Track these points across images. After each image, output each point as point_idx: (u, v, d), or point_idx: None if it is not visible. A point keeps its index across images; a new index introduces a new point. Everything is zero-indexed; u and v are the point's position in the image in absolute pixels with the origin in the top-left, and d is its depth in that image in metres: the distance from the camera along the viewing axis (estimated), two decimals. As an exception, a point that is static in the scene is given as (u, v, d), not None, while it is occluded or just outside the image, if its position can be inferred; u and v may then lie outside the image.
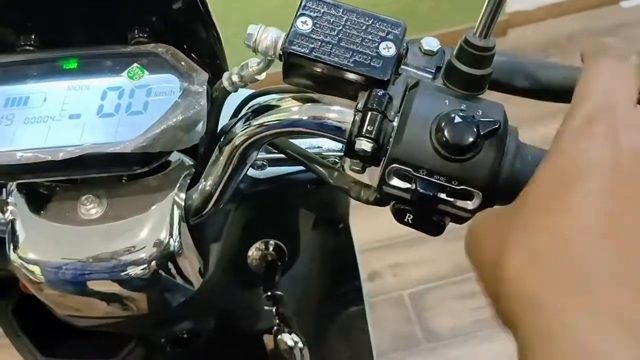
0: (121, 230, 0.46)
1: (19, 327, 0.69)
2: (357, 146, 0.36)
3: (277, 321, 0.70)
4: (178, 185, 0.47)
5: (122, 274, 0.46)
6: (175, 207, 0.46)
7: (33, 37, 0.47)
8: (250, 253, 0.66)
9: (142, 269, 0.46)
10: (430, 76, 0.40)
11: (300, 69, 0.39)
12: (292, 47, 0.38)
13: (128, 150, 0.42)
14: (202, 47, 0.47)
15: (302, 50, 0.38)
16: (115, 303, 0.49)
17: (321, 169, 0.45)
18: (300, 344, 0.71)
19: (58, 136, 0.43)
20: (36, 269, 0.46)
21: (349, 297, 0.82)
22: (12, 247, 0.46)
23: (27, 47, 0.47)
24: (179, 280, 0.49)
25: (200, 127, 0.44)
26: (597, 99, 0.29)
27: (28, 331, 0.69)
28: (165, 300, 0.50)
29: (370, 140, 0.36)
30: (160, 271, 0.47)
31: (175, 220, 0.46)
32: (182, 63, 0.45)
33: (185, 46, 0.47)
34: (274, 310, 0.69)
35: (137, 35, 0.47)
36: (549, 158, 0.28)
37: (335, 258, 0.78)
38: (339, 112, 0.38)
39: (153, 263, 0.46)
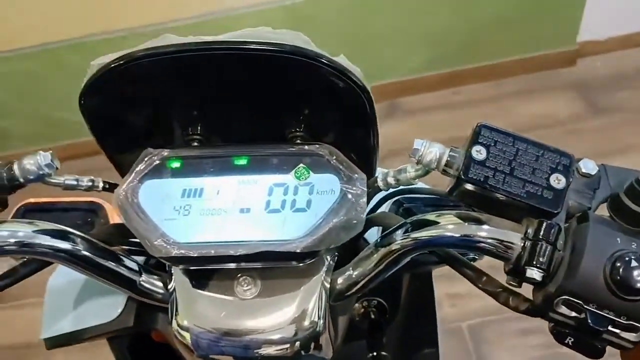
0: (273, 310, 0.50)
1: (130, 355, 0.74)
2: (528, 274, 0.39)
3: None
4: (325, 269, 0.51)
5: (268, 350, 0.50)
6: (322, 289, 0.50)
7: (199, 129, 0.52)
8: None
9: (288, 347, 0.50)
10: (589, 203, 0.42)
11: (472, 194, 0.42)
12: (469, 175, 0.41)
13: (298, 250, 0.46)
14: (362, 147, 0.51)
15: (478, 179, 0.41)
16: None
17: (469, 271, 0.48)
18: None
19: (231, 230, 0.47)
20: (186, 335, 0.50)
21: (425, 339, 0.84)
22: (173, 313, 0.51)
23: (194, 137, 0.52)
24: (317, 356, 0.53)
25: (360, 226, 0.47)
26: None
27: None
28: None
29: (541, 271, 0.39)
30: (303, 349, 0.51)
31: (322, 302, 0.50)
32: (343, 164, 0.49)
33: (344, 145, 0.51)
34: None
35: (297, 133, 0.51)
36: None
37: (418, 304, 0.81)
38: (507, 235, 0.41)
39: (298, 343, 0.50)
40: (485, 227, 0.42)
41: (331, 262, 0.51)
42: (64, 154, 2.04)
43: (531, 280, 0.39)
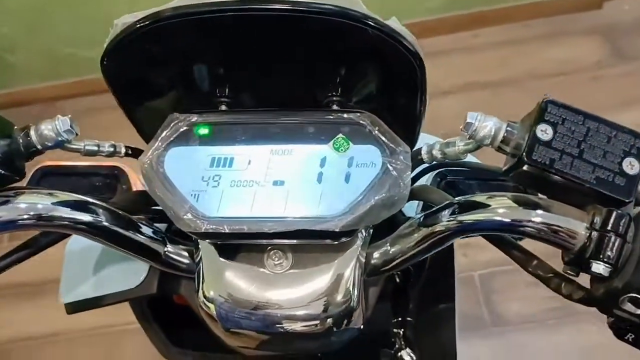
0: (305, 284, 0.48)
1: (153, 318, 0.73)
2: (593, 268, 0.36)
3: (401, 342, 0.72)
4: (361, 243, 0.48)
5: (300, 325, 0.48)
6: (357, 264, 0.47)
7: (228, 92, 0.48)
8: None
9: (318, 323, 0.48)
10: None
11: (532, 176, 0.38)
12: (533, 157, 0.38)
13: (337, 229, 0.43)
14: (406, 116, 0.47)
15: (543, 162, 0.37)
16: (286, 345, 0.51)
17: (517, 253, 0.45)
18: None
19: (264, 204, 0.44)
20: (212, 307, 0.48)
21: (443, 294, 0.84)
22: (200, 284, 0.48)
23: (223, 100, 0.48)
24: (350, 328, 0.52)
25: (403, 204, 0.44)
26: None
27: (160, 322, 0.73)
28: (333, 344, 0.53)
29: (609, 265, 0.36)
30: (334, 326, 0.49)
31: (356, 277, 0.47)
32: (386, 135, 0.45)
33: (385, 112, 0.47)
34: (400, 332, 0.72)
35: (333, 98, 0.47)
36: None
37: (439, 262, 0.79)
38: (570, 223, 0.38)
39: (330, 319, 0.48)
40: (544, 212, 0.39)
41: (367, 235, 0.48)
42: (71, 91, 2.00)
43: (596, 275, 0.36)
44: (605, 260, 0.36)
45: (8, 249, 0.46)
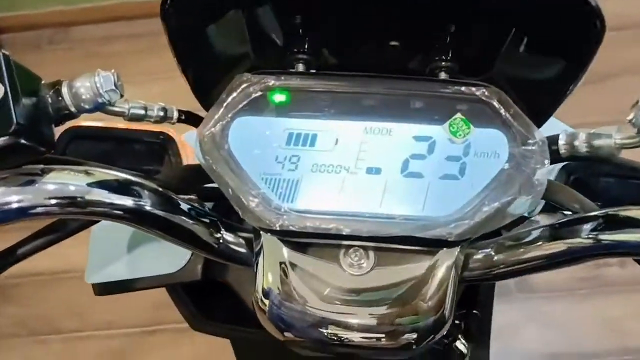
0: (388, 289, 0.39)
1: (182, 288, 0.66)
2: None
3: (459, 333, 0.65)
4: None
5: (378, 340, 0.40)
6: (454, 268, 0.39)
7: (310, 46, 0.37)
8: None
9: (404, 337, 0.39)
10: None
11: None
12: None
13: (451, 237, 0.33)
14: (547, 94, 0.37)
15: None
16: (356, 357, 0.43)
17: None
18: (470, 350, 0.67)
19: (354, 198, 0.35)
20: (270, 307, 0.40)
21: None
22: (259, 279, 0.40)
23: (303, 58, 0.38)
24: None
25: (534, 207, 0.35)
26: None
27: (190, 293, 0.66)
28: (410, 357, 0.45)
29: None
30: (420, 339, 0.40)
31: (451, 284, 0.39)
32: (515, 116, 0.35)
33: (508, 87, 0.36)
34: (462, 324, 0.65)
35: (443, 63, 0.37)
36: None
37: None
38: None
39: (416, 333, 0.39)
40: None
41: None
42: (80, 18, 1.86)
43: None
44: None
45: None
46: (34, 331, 1.49)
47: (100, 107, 0.34)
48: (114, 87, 0.34)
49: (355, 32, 0.38)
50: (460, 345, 0.66)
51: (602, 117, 1.72)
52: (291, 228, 0.34)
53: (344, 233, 0.34)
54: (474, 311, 0.62)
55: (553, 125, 0.40)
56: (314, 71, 0.38)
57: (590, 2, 0.31)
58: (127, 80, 0.35)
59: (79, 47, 1.93)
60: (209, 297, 0.66)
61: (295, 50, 0.38)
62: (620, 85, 1.66)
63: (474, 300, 0.62)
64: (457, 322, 0.64)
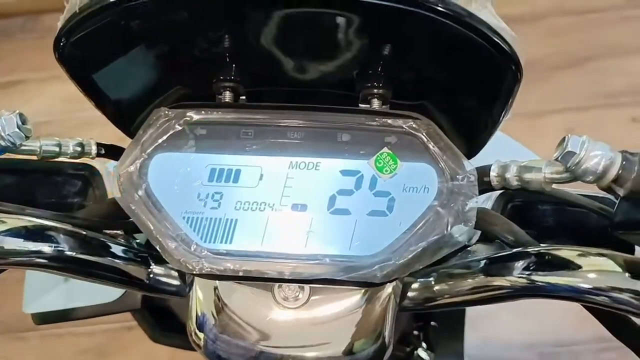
0: (324, 322, 0.38)
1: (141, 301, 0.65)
2: None
3: (420, 342, 0.65)
4: None
5: None
6: (392, 298, 0.38)
7: (234, 73, 0.36)
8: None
9: None
10: None
11: None
12: None
13: (375, 280, 0.32)
14: (475, 124, 0.35)
15: None
16: None
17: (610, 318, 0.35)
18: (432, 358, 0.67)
19: (279, 237, 0.34)
20: (205, 341, 0.39)
21: None
22: (192, 311, 0.39)
23: (227, 86, 0.36)
24: None
25: (464, 242, 0.34)
26: None
27: (148, 306, 0.65)
28: None
29: None
30: None
31: (389, 314, 0.38)
32: (444, 149, 0.34)
33: (445, 115, 0.35)
34: (420, 334, 0.64)
35: (376, 91, 0.35)
36: None
37: None
38: None
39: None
40: None
41: None
42: (50, 5, 1.81)
43: None
44: None
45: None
46: (11, 328, 1.48)
47: (6, 150, 0.32)
48: (16, 130, 0.32)
49: (282, 58, 0.36)
50: (423, 353, 0.66)
51: (583, 102, 1.70)
52: (211, 271, 0.33)
53: (266, 276, 0.33)
54: (432, 323, 0.61)
55: (511, 147, 0.39)
56: (238, 102, 0.37)
57: (505, 49, 0.29)
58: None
59: (49, 37, 1.90)
60: (168, 310, 0.65)
61: (222, 77, 0.37)
62: (600, 68, 1.64)
63: (429, 313, 0.61)
64: (415, 332, 0.64)
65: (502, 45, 0.29)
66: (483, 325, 1.42)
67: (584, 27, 1.75)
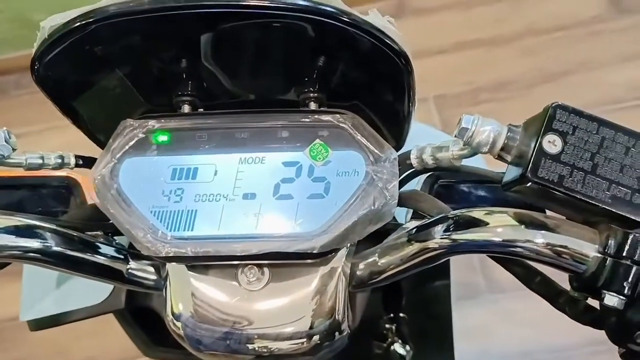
0: (285, 301, 0.43)
1: (132, 318, 0.69)
2: (606, 300, 0.32)
3: (394, 336, 0.69)
4: (345, 253, 0.43)
5: (280, 345, 0.44)
6: (342, 276, 0.43)
7: (189, 90, 0.42)
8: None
9: (304, 342, 0.44)
10: None
11: (538, 193, 0.33)
12: (539, 174, 0.32)
13: (315, 250, 0.38)
14: (391, 115, 0.41)
15: (550, 179, 0.32)
16: None
17: (519, 269, 0.40)
18: (410, 353, 0.71)
19: (233, 222, 0.39)
20: (181, 326, 0.44)
21: (438, 271, 0.80)
22: (168, 302, 0.44)
23: (184, 100, 0.42)
24: (336, 343, 0.47)
25: (390, 217, 0.39)
26: None
27: (140, 322, 0.69)
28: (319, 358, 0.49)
29: (624, 298, 0.31)
30: (320, 342, 0.44)
31: (341, 290, 0.43)
32: (370, 139, 0.40)
33: (369, 109, 0.41)
34: (393, 327, 0.68)
35: (311, 94, 0.42)
36: None
37: None
38: (580, 246, 0.33)
39: (316, 337, 0.44)
40: (550, 233, 0.34)
41: (352, 245, 0.44)
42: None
43: (609, 306, 0.32)
44: (620, 292, 0.31)
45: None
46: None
47: None
48: (4, 143, 0.38)
49: (228, 76, 0.43)
50: (399, 348, 0.70)
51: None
52: (176, 254, 0.38)
53: (221, 254, 0.38)
54: (401, 314, 0.66)
55: (435, 135, 0.44)
56: (194, 111, 0.43)
57: (394, 46, 0.36)
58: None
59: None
60: (160, 324, 0.69)
61: (180, 93, 0.43)
62: (575, 82, 1.72)
63: (398, 304, 0.66)
64: (387, 325, 0.68)
65: (389, 42, 0.35)
66: (480, 337, 1.45)
67: (555, 45, 1.83)
